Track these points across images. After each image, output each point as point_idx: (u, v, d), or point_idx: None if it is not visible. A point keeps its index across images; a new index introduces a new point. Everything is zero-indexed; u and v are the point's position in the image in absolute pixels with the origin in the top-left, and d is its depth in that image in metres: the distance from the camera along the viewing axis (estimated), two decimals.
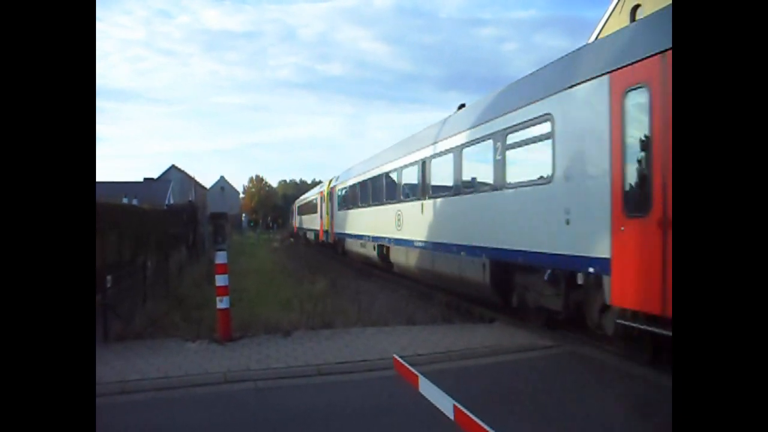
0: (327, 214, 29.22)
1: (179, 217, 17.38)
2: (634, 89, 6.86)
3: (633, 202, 6.78)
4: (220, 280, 8.78)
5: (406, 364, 4.71)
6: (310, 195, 40.49)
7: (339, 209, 25.75)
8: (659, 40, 6.44)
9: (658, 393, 6.09)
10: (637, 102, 6.86)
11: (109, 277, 8.87)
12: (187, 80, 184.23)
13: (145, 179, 66.63)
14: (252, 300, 12.51)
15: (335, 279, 16.12)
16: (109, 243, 10.72)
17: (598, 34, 23.83)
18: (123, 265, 10.39)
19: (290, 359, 7.58)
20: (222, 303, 8.68)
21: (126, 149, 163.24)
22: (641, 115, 6.77)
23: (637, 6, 22.22)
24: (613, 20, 23.47)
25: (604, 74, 7.32)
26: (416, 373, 4.47)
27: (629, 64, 6.89)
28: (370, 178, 19.46)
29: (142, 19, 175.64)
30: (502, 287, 10.15)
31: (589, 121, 7.60)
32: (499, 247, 9.82)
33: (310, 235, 38.51)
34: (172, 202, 51.78)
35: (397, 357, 5.21)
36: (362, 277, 17.88)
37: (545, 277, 8.65)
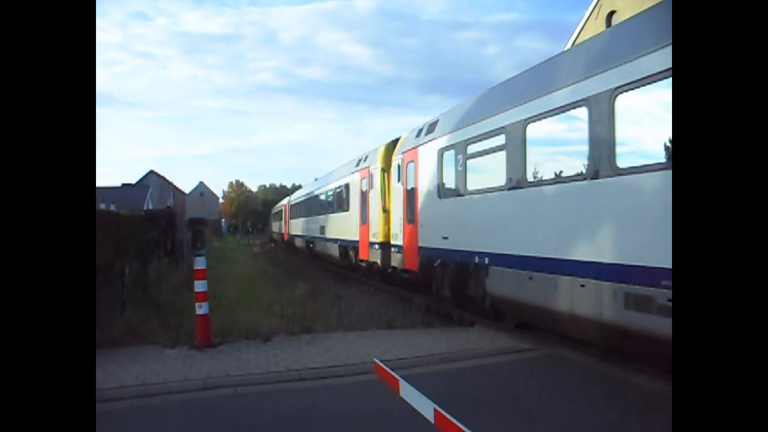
0: (286, 222, 41.73)
1: (158, 223, 17.17)
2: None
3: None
4: (199, 285, 8.71)
5: (387, 368, 4.71)
6: (280, 205, 50.73)
7: (291, 218, 38.83)
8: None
9: (638, 394, 6.18)
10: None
11: None
12: (165, 84, 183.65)
13: (124, 185, 65.99)
14: (232, 306, 12.43)
15: (315, 284, 16.08)
16: None
17: (576, 38, 24.12)
18: (100, 272, 10.24)
19: (270, 364, 7.55)
20: (201, 309, 8.61)
21: (103, 154, 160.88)
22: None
23: (612, 12, 22.54)
24: (590, 25, 23.80)
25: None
26: (397, 377, 4.47)
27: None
28: (304, 200, 32.18)
29: (117, 21, 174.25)
30: (344, 256, 20.84)
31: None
32: (341, 238, 20.98)
33: (278, 238, 49.41)
34: (151, 207, 51.23)
35: (378, 361, 5.22)
36: (341, 282, 17.88)
37: (349, 250, 19.81)
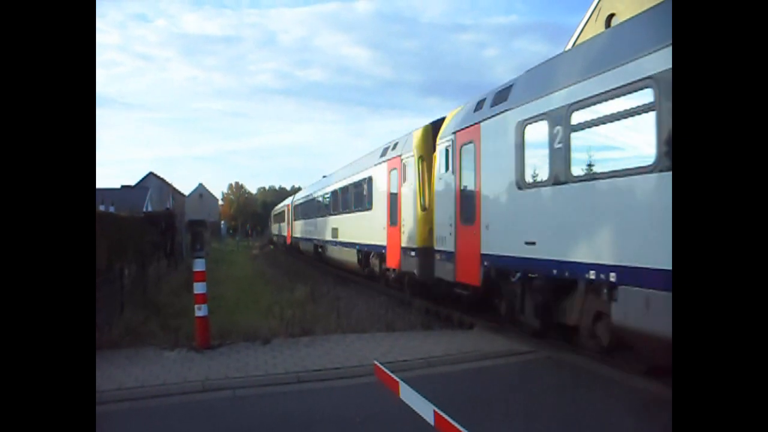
0: (290, 223, 39.21)
1: (157, 225, 17.21)
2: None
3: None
4: (199, 287, 8.70)
5: (387, 371, 4.71)
6: (282, 206, 47.92)
7: (295, 219, 35.87)
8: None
9: (635, 395, 6.18)
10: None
11: None
12: (165, 85, 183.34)
13: (123, 186, 65.91)
14: (231, 308, 12.42)
15: (314, 286, 16.07)
16: None
17: (576, 40, 24.15)
18: (99, 273, 10.24)
19: (269, 367, 7.53)
20: (200, 311, 8.60)
21: (102, 156, 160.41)
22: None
23: (612, 15, 22.56)
24: (589, 27, 23.81)
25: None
26: (397, 379, 4.46)
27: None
28: (312, 199, 29.37)
29: (116, 22, 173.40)
30: (364, 263, 18.38)
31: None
32: (360, 242, 18.41)
33: (280, 240, 46.76)
34: (150, 209, 51.26)
35: (377, 363, 5.22)
36: (341, 284, 17.86)
37: (371, 257, 17.45)
